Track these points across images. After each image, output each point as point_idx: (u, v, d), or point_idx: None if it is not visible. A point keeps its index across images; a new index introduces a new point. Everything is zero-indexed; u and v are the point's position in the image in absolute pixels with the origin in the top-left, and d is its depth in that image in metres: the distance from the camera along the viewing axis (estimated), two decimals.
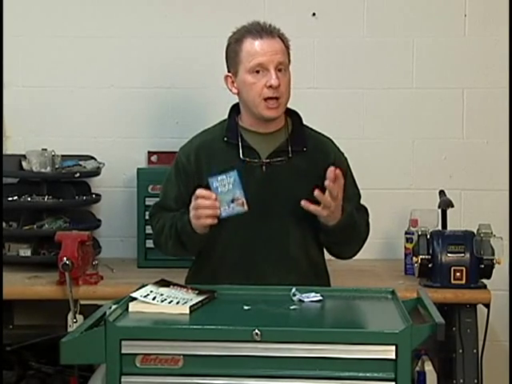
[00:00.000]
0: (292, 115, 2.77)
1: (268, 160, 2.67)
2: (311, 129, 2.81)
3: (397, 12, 3.85)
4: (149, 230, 3.52)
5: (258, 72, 2.60)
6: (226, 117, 2.79)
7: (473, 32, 3.84)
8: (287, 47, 2.67)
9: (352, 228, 2.67)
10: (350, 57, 3.87)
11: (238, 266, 2.64)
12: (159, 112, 3.91)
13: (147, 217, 3.51)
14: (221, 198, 2.49)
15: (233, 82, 2.68)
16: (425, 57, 3.86)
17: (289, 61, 2.68)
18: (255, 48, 2.60)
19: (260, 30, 2.62)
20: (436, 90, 3.86)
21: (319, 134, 2.82)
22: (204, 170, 2.67)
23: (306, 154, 2.70)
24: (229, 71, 2.69)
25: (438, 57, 3.86)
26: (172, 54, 3.88)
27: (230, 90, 2.71)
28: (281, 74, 2.61)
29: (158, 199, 2.85)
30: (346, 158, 2.82)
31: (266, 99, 2.61)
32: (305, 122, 2.80)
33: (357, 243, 2.78)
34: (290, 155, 2.68)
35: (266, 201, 2.57)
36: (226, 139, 2.69)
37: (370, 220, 2.85)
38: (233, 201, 2.50)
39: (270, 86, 2.58)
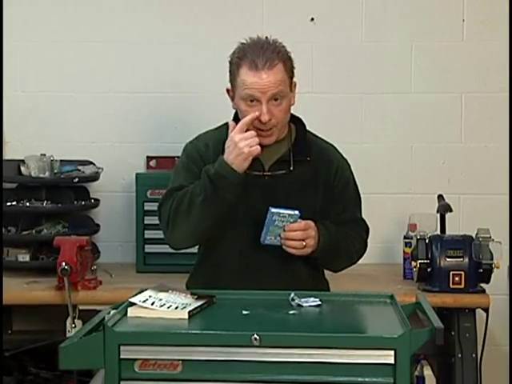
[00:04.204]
0: (296, 122, 2.75)
1: (270, 172, 2.66)
2: (314, 135, 2.79)
3: (395, 17, 3.86)
4: (148, 234, 3.55)
5: (251, 101, 2.55)
6: (225, 121, 2.78)
7: (471, 36, 3.84)
8: (289, 71, 2.60)
9: (336, 247, 2.66)
10: (349, 61, 3.88)
11: (237, 275, 2.63)
12: (158, 117, 3.91)
13: (146, 221, 3.55)
14: (272, 229, 2.53)
15: (233, 97, 2.65)
16: (423, 61, 3.86)
17: (292, 84, 2.62)
18: (249, 79, 2.53)
19: (257, 59, 2.52)
20: (435, 95, 3.87)
21: (322, 140, 2.80)
22: None
23: (309, 163, 2.69)
24: (230, 84, 2.65)
25: (437, 61, 3.86)
26: (171, 60, 3.88)
27: (231, 103, 2.68)
28: (276, 104, 2.55)
29: (169, 187, 2.70)
30: (349, 165, 2.80)
31: (257, 128, 2.58)
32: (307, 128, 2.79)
33: (346, 259, 2.77)
34: (292, 167, 2.67)
35: (266, 211, 2.56)
36: None
37: (369, 224, 2.85)
38: (279, 234, 2.54)
39: (260, 121, 2.55)
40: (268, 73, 2.54)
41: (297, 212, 2.53)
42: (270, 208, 2.52)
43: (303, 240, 2.56)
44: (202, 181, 2.56)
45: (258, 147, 2.51)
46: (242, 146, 2.49)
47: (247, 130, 2.53)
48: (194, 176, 2.63)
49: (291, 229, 2.54)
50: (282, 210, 2.53)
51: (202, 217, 2.57)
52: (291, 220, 2.53)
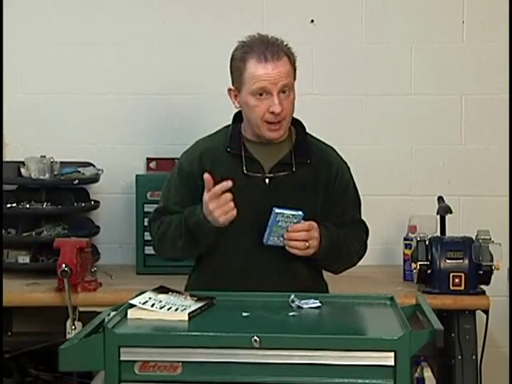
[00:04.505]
0: (296, 124, 2.75)
1: (271, 174, 2.67)
2: (314, 137, 2.80)
3: (395, 18, 3.85)
4: (148, 236, 3.51)
5: (261, 94, 2.56)
6: (225, 123, 2.79)
7: (471, 38, 3.84)
8: (293, 64, 2.62)
9: (336, 249, 2.67)
10: (349, 63, 3.88)
11: (237, 276, 2.63)
12: (158, 118, 3.91)
13: (146, 223, 3.51)
14: (275, 229, 2.54)
15: (236, 96, 2.65)
16: (423, 63, 3.86)
17: (294, 78, 2.64)
18: (259, 71, 2.55)
19: (265, 51, 2.55)
20: (435, 96, 3.87)
21: (321, 142, 2.81)
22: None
23: (310, 165, 2.70)
24: (233, 84, 2.66)
25: (437, 63, 3.86)
26: (171, 61, 3.88)
27: (233, 103, 2.69)
28: (284, 96, 2.58)
29: (158, 204, 2.81)
30: (348, 167, 2.81)
31: (267, 122, 2.60)
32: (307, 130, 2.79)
33: (346, 261, 2.78)
34: (294, 169, 2.68)
35: (267, 213, 2.57)
36: (229, 150, 2.68)
37: (369, 226, 2.85)
38: (282, 235, 2.55)
39: (272, 112, 2.57)
40: (277, 64, 2.56)
41: (300, 213, 2.54)
42: (274, 208, 2.53)
43: (306, 241, 2.56)
44: (182, 227, 2.62)
45: (234, 212, 2.51)
46: (216, 216, 2.51)
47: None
48: (183, 195, 2.70)
49: (294, 229, 2.54)
50: (285, 211, 2.53)
51: (184, 254, 2.72)
52: (295, 220, 2.54)
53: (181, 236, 2.64)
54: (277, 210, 2.52)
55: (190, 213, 2.61)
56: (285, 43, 2.63)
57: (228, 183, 2.49)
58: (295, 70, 2.65)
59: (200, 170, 2.66)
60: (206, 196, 2.52)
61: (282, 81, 2.56)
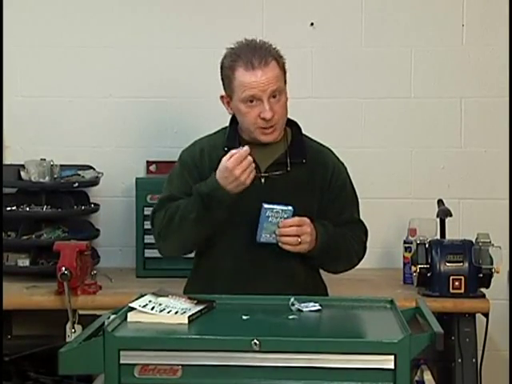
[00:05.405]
0: (291, 125, 2.76)
1: (267, 173, 2.67)
2: (310, 139, 2.80)
3: (395, 22, 3.86)
4: (147, 239, 3.54)
5: (251, 101, 2.57)
6: (225, 125, 2.79)
7: (471, 41, 3.85)
8: (282, 67, 2.62)
9: (334, 246, 2.67)
10: (349, 66, 3.88)
11: (234, 276, 2.64)
12: (158, 121, 3.91)
13: (146, 226, 3.54)
14: (266, 226, 2.53)
15: (228, 103, 2.67)
16: (423, 66, 3.87)
17: (285, 81, 2.64)
18: (247, 79, 2.55)
19: (252, 58, 2.55)
20: (434, 100, 3.87)
21: (318, 143, 2.81)
22: (206, 176, 2.66)
23: (305, 165, 2.70)
24: (225, 91, 2.66)
25: (437, 66, 3.87)
26: (170, 64, 3.89)
27: (227, 109, 2.70)
28: (275, 100, 2.58)
29: (160, 195, 2.75)
30: (345, 168, 2.81)
31: (260, 127, 2.60)
32: (304, 132, 2.80)
33: (345, 260, 2.77)
34: (289, 168, 2.68)
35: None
36: (226, 149, 2.69)
37: (369, 229, 2.84)
38: (274, 232, 2.54)
39: (264, 118, 2.57)
40: (265, 70, 2.56)
41: (290, 207, 2.53)
42: (263, 204, 2.53)
43: (298, 236, 2.56)
44: (194, 200, 2.59)
45: (254, 172, 2.53)
46: (243, 180, 2.51)
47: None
48: (187, 184, 2.67)
49: (285, 224, 2.54)
50: (275, 206, 2.53)
51: (193, 233, 2.64)
52: (285, 216, 2.53)
53: (192, 211, 2.58)
54: (266, 206, 2.52)
55: (201, 185, 2.58)
56: (273, 46, 2.63)
57: (247, 149, 2.50)
58: (285, 72, 2.65)
59: (201, 164, 2.68)
60: (229, 162, 2.50)
61: (271, 86, 2.57)
